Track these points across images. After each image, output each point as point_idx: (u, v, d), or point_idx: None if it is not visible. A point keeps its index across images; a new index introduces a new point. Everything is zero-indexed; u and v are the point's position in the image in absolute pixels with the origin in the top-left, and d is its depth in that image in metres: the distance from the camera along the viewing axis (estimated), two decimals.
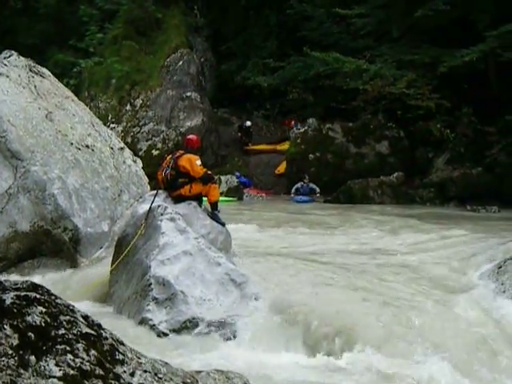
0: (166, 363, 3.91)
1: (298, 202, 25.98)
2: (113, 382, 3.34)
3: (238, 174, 28.65)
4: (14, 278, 10.64)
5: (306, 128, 28.81)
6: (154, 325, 8.44)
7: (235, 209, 21.30)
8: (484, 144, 25.67)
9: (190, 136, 11.90)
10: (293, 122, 30.47)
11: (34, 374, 3.11)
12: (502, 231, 16.28)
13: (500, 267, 10.37)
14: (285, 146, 30.53)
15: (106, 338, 3.61)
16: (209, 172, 11.21)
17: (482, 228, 17.17)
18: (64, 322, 3.44)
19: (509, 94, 24.91)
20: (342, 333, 7.99)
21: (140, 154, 26.56)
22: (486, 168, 25.01)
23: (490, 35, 24.23)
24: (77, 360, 3.25)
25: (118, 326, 7.65)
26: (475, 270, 10.95)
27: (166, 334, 8.35)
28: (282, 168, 29.55)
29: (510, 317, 8.91)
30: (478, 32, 24.83)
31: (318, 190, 26.74)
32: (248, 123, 32.13)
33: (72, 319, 3.51)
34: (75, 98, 14.63)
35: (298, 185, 26.86)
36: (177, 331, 8.39)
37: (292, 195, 26.72)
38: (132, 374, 3.52)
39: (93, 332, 3.54)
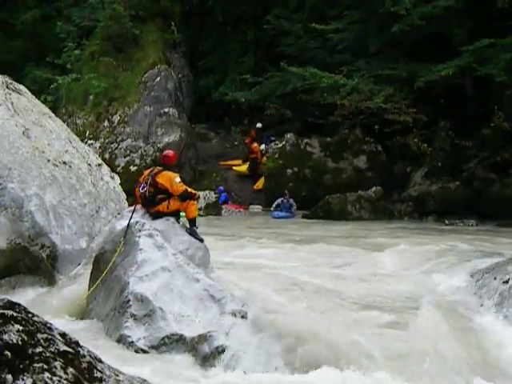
0: (145, 380, 3.89)
1: (275, 217, 25.95)
2: None
3: (221, 188, 28.71)
4: None
5: (271, 145, 29.04)
6: (132, 341, 8.39)
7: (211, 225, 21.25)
8: (461, 158, 25.83)
9: (167, 152, 11.87)
10: (255, 144, 30.38)
11: None
12: (479, 245, 16.37)
13: (478, 280, 10.42)
14: (241, 167, 30.52)
15: (84, 356, 3.58)
16: (189, 189, 11.18)
17: (460, 241, 17.25)
18: (41, 340, 3.41)
19: (485, 108, 25.10)
20: (324, 350, 7.97)
21: (118, 170, 26.45)
22: (463, 182, 25.17)
23: (466, 50, 24.45)
24: (54, 378, 3.22)
25: (96, 343, 7.61)
26: (452, 283, 10.98)
27: (144, 351, 8.30)
28: (260, 184, 29.54)
29: (490, 334, 8.96)
30: (455, 47, 25.04)
31: (294, 206, 26.67)
32: (259, 125, 31.87)
33: (49, 337, 3.48)
34: (52, 115, 14.57)
35: (279, 200, 26.83)
36: (155, 348, 8.34)
37: (272, 209, 26.70)
38: None
39: (70, 350, 3.51)
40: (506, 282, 9.90)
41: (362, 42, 28.09)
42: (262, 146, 30.20)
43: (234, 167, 30.98)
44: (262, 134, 31.98)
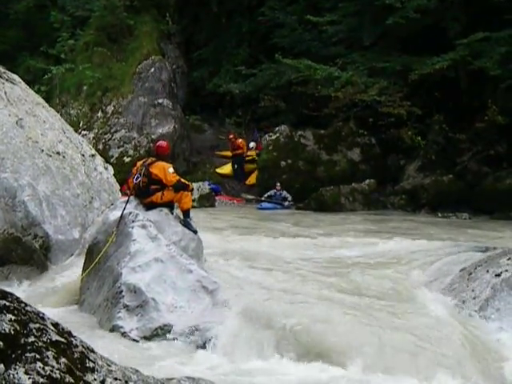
0: (137, 370, 3.89)
1: (259, 209, 25.92)
2: None
3: (208, 181, 28.58)
4: None
5: (265, 136, 29.03)
6: (125, 332, 8.40)
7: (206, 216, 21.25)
8: (455, 151, 25.85)
9: (160, 142, 11.88)
10: (240, 140, 30.07)
11: (3, 382, 3.08)
12: (471, 238, 16.42)
13: (470, 274, 10.44)
14: (225, 169, 30.25)
15: (76, 346, 3.58)
16: (182, 180, 11.17)
17: (453, 234, 17.31)
18: (34, 330, 3.41)
19: (479, 101, 25.11)
20: (315, 340, 8.00)
21: (111, 160, 26.38)
22: (457, 175, 25.19)
23: (461, 43, 24.44)
24: (46, 368, 3.22)
25: (88, 333, 7.62)
26: (444, 276, 11.01)
27: (137, 342, 8.31)
28: (252, 179, 29.39)
29: (482, 327, 8.99)
30: (449, 40, 25.04)
31: (289, 197, 26.66)
32: (252, 144, 31.19)
33: (42, 327, 3.48)
34: (46, 105, 14.54)
35: (271, 192, 26.81)
36: (148, 338, 8.36)
37: (262, 199, 26.66)
38: (102, 382, 3.50)
39: (63, 340, 3.51)
40: (499, 275, 9.92)
41: (356, 35, 28.04)
42: (252, 144, 30.03)
43: (216, 170, 30.63)
44: (251, 130, 31.85)
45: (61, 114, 19.99)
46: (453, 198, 24.24)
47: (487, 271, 10.19)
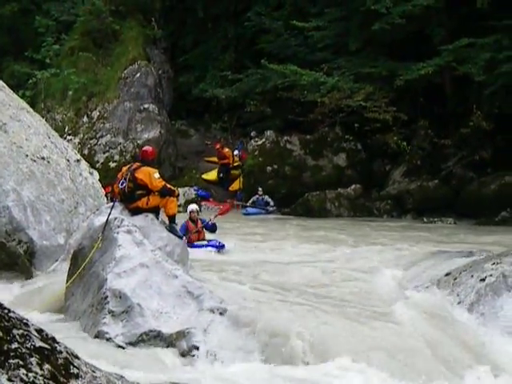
0: (122, 376, 3.88)
1: (245, 214, 26.00)
2: None
3: (195, 187, 28.54)
4: None
5: (251, 142, 29.06)
6: (110, 338, 8.36)
7: None
8: (440, 157, 25.98)
9: (145, 148, 11.88)
10: (226, 150, 29.87)
11: None
12: (456, 243, 16.48)
13: (455, 279, 10.46)
14: (210, 175, 30.13)
15: (61, 352, 3.56)
16: (168, 185, 11.16)
17: (438, 239, 17.37)
18: (17, 336, 3.38)
19: (464, 107, 25.24)
20: (301, 346, 8.00)
21: (97, 166, 26.32)
22: (442, 180, 25.31)
23: (446, 49, 24.57)
24: (30, 374, 3.20)
25: (73, 339, 7.57)
26: (429, 281, 11.03)
27: (122, 347, 8.27)
28: (235, 185, 29.34)
29: (467, 331, 9.02)
30: (434, 46, 25.16)
31: (271, 202, 26.69)
32: (236, 152, 30.95)
33: (25, 333, 3.45)
34: (30, 110, 14.49)
35: (254, 198, 26.89)
36: (133, 344, 8.32)
37: (247, 204, 26.71)
38: None
39: (47, 346, 3.49)
40: (483, 279, 9.95)
41: (342, 40, 28.12)
42: (236, 152, 29.95)
43: (202, 176, 30.55)
44: (237, 138, 31.78)
45: (46, 119, 19.91)
46: (438, 203, 24.36)
47: (472, 276, 10.21)
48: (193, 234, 15.54)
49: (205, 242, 15.54)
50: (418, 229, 21.17)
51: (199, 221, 16.01)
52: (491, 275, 9.96)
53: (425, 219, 23.83)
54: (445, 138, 25.63)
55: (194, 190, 28.01)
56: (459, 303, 9.77)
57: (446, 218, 23.66)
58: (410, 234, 19.13)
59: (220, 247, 15.30)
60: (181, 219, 13.29)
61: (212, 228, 15.94)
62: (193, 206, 16.37)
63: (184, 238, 12.20)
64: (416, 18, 25.88)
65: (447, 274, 10.95)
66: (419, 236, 18.58)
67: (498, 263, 10.25)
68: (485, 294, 9.65)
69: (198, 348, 8.12)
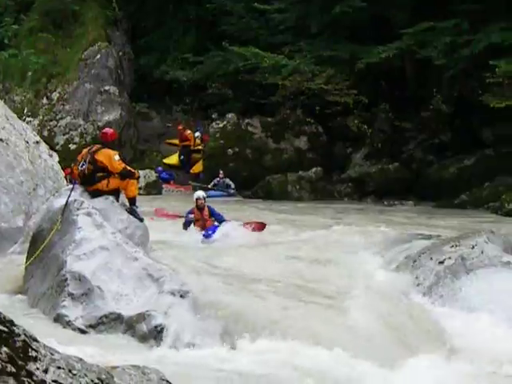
0: (81, 359, 3.85)
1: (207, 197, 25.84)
2: (25, 379, 3.27)
3: (160, 168, 28.44)
4: None
5: (202, 131, 29.03)
6: (69, 321, 8.32)
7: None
8: (401, 140, 26.16)
9: (106, 130, 11.83)
10: (188, 132, 29.74)
11: None
12: (416, 226, 16.62)
13: (415, 261, 10.57)
14: (171, 159, 29.94)
15: (19, 335, 3.53)
16: (128, 168, 11.11)
17: (397, 222, 17.50)
18: None
19: (425, 90, 25.41)
20: (259, 327, 8.04)
21: (57, 148, 26.09)
22: (402, 163, 25.50)
23: (406, 33, 24.66)
24: None
25: (32, 322, 7.54)
26: (388, 264, 11.14)
27: (82, 330, 8.24)
28: (196, 168, 29.27)
29: (426, 313, 9.13)
30: (395, 29, 25.24)
31: (232, 185, 26.67)
32: (197, 134, 30.87)
33: None
34: None
35: (215, 180, 26.86)
36: (93, 327, 8.30)
37: (209, 187, 26.60)
38: (45, 371, 3.45)
39: (4, 328, 3.46)
40: (442, 262, 10.07)
41: (304, 23, 28.10)
42: (197, 134, 29.85)
43: (163, 160, 30.40)
44: (196, 122, 31.65)
45: (4, 101, 19.67)
46: (398, 186, 24.54)
47: (431, 258, 10.33)
48: (198, 222, 15.05)
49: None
50: (379, 211, 21.32)
51: (206, 207, 15.36)
52: (450, 258, 10.09)
53: (385, 202, 24.00)
54: (405, 121, 25.81)
55: (159, 171, 27.90)
56: (418, 285, 9.89)
57: (405, 200, 23.86)
58: (371, 217, 19.24)
59: (208, 236, 14.67)
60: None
61: (221, 219, 15.27)
62: (199, 193, 15.76)
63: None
64: (377, 1, 25.93)
65: (406, 257, 11.06)
66: (378, 218, 18.69)
67: (456, 246, 10.38)
68: (444, 277, 9.78)
69: (158, 330, 8.12)
